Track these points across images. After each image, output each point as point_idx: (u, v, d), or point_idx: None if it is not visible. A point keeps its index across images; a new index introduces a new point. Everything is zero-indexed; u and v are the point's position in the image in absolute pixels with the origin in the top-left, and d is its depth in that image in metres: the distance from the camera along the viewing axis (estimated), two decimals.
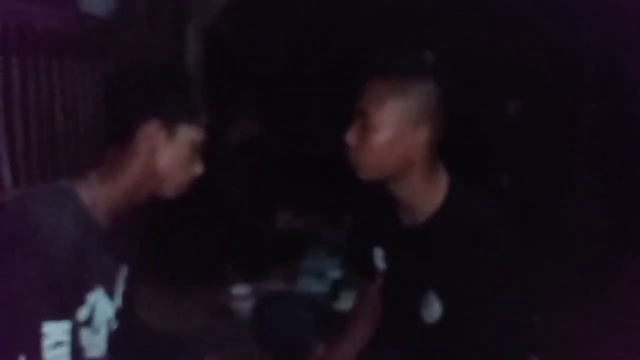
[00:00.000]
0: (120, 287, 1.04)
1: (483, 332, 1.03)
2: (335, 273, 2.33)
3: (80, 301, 0.90)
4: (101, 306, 0.97)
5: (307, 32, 4.59)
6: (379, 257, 1.24)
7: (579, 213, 3.34)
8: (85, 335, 0.93)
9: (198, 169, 1.01)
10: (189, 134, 0.97)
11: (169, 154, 0.95)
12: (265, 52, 4.34)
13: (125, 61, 2.47)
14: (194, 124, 0.98)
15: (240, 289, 2.00)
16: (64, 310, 0.85)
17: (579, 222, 3.24)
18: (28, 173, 1.93)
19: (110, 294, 0.99)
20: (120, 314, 1.04)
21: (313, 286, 2.25)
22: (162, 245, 2.16)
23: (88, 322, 0.93)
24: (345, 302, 1.97)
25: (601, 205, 3.27)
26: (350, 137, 1.08)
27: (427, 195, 1.10)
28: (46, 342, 0.81)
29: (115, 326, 1.04)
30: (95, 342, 0.98)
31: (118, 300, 1.04)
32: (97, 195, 0.93)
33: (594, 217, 3.21)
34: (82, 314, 0.91)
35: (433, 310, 1.10)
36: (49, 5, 1.96)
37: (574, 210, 3.41)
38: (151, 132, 0.93)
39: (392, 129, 1.04)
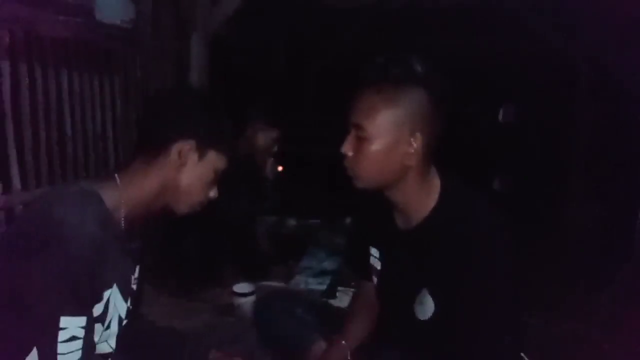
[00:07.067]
0: (132, 287, 1.08)
1: (475, 330, 1.06)
2: (333, 272, 2.39)
3: (97, 298, 0.93)
4: (114, 303, 1.00)
5: (306, 40, 4.61)
6: (375, 258, 1.28)
7: (573, 215, 3.34)
8: (97, 331, 0.96)
9: (213, 194, 1.08)
10: (215, 160, 1.04)
11: (194, 174, 1.02)
12: (266, 59, 4.35)
13: (131, 69, 2.51)
14: (223, 152, 1.05)
15: (241, 288, 2.03)
16: (82, 305, 0.88)
17: (574, 224, 3.24)
18: (36, 177, 1.95)
19: (123, 292, 1.03)
20: (128, 312, 1.08)
21: (311, 284, 2.29)
22: (168, 246, 2.20)
23: (101, 318, 0.96)
24: (343, 300, 2.03)
25: (596, 208, 3.26)
26: (346, 149, 1.10)
27: (420, 199, 1.12)
28: (62, 336, 0.84)
29: (125, 323, 1.07)
30: (106, 337, 1.01)
31: (130, 299, 1.07)
32: (119, 198, 0.97)
33: (589, 219, 3.21)
34: (97, 310, 0.94)
35: (427, 308, 1.13)
36: (58, 13, 1.97)
37: (569, 212, 3.42)
38: (185, 150, 1.00)
39: (386, 139, 1.06)
